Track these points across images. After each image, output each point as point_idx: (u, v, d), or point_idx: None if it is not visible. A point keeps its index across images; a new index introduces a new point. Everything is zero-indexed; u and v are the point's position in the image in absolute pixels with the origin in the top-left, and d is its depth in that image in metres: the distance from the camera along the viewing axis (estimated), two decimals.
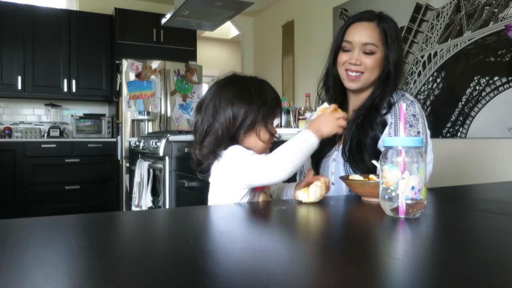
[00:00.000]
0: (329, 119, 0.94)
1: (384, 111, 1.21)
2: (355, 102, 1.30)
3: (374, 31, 1.20)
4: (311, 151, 0.92)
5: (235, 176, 0.94)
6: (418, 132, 1.18)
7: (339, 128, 0.95)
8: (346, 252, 0.55)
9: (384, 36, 1.20)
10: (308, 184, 0.91)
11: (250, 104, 0.93)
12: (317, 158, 1.26)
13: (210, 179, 1.01)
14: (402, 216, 0.71)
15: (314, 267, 0.49)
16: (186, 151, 2.14)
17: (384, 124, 1.19)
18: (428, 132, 1.22)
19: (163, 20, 3.53)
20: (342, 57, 1.24)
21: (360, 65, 1.21)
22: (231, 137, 0.94)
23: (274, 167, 0.87)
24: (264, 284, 0.41)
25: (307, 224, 0.77)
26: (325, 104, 1.02)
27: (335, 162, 1.24)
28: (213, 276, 0.43)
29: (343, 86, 1.28)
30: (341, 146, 1.23)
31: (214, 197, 1.01)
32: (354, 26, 1.23)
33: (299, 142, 0.91)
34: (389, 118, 1.19)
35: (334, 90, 1.31)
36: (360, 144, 1.18)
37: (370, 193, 0.90)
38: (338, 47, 1.26)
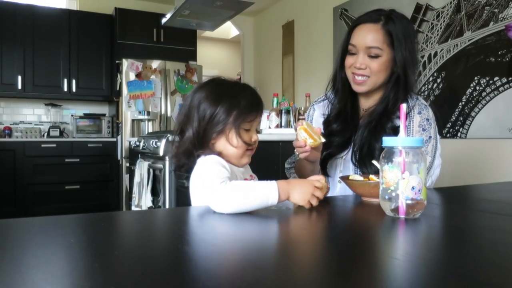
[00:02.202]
0: (307, 189, 0.82)
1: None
2: (365, 102, 1.29)
3: (379, 33, 1.16)
4: (264, 206, 0.81)
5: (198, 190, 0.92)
6: (430, 137, 1.18)
7: (308, 204, 0.82)
8: (346, 252, 0.54)
9: (389, 38, 1.16)
10: None
11: (216, 105, 0.91)
12: (325, 157, 1.25)
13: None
14: (402, 216, 0.71)
15: (314, 267, 0.49)
16: None
17: (395, 130, 1.18)
18: (438, 137, 1.22)
19: (163, 20, 3.53)
20: (349, 60, 1.22)
21: (365, 69, 1.18)
22: (204, 139, 0.92)
23: (222, 200, 0.78)
24: (264, 284, 0.41)
25: (307, 224, 0.77)
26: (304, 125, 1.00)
27: (345, 161, 1.24)
28: (213, 276, 0.43)
29: (352, 88, 1.27)
30: (351, 150, 1.24)
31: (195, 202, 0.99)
32: (359, 28, 1.20)
33: (259, 193, 0.80)
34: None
35: (343, 92, 1.28)
36: (371, 149, 1.18)
37: (370, 193, 0.90)
38: (344, 49, 1.24)
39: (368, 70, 1.19)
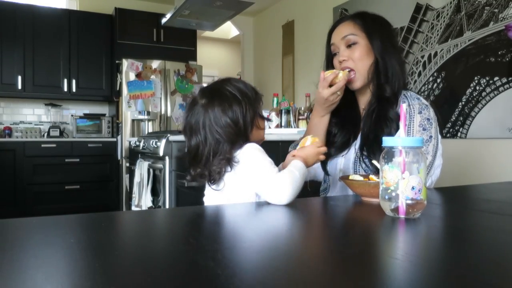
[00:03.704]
0: (314, 152, 1.02)
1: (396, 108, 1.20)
2: (364, 100, 1.30)
3: (350, 25, 1.24)
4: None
5: (252, 178, 0.95)
6: (431, 137, 1.18)
7: (319, 160, 1.06)
8: (346, 252, 0.55)
9: (362, 27, 1.23)
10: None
11: (240, 104, 0.98)
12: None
13: (223, 189, 1.00)
14: (402, 216, 0.71)
15: (314, 267, 0.49)
16: (186, 151, 2.13)
17: (397, 121, 1.19)
18: (439, 137, 1.22)
19: (163, 20, 3.53)
20: (335, 62, 1.27)
21: (348, 60, 1.22)
22: (243, 136, 0.99)
23: (286, 191, 0.88)
24: (264, 284, 0.41)
25: (307, 223, 0.77)
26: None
27: (345, 159, 1.25)
28: (213, 276, 0.43)
29: (348, 88, 1.28)
30: (354, 144, 1.25)
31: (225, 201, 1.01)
32: (334, 31, 1.29)
33: (302, 172, 0.95)
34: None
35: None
36: (378, 139, 1.18)
37: (370, 193, 0.90)
38: (329, 55, 1.31)
39: (351, 62, 1.22)
